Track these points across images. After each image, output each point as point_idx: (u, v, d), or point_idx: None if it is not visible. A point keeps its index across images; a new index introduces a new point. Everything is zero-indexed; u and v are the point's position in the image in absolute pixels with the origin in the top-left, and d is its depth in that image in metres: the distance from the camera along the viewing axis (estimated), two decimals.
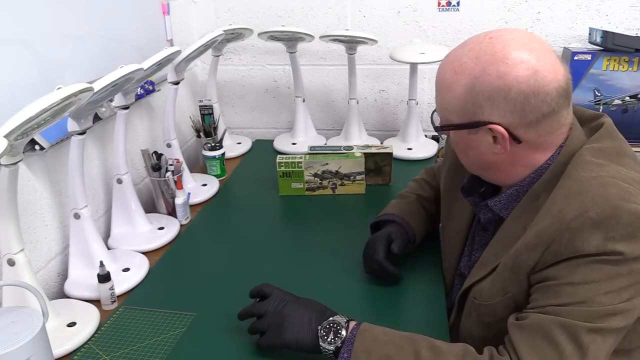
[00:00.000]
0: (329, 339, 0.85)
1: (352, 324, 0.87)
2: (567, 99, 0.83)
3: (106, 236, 1.32)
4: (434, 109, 0.93)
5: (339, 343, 0.84)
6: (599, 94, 1.67)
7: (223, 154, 1.65)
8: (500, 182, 0.94)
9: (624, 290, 0.75)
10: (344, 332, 0.85)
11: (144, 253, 1.25)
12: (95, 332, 1.01)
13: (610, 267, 0.74)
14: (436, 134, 1.84)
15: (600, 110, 1.67)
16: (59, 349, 0.95)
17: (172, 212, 1.41)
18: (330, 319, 0.87)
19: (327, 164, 1.48)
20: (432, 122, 0.94)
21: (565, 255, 0.77)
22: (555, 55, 0.83)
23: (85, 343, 0.98)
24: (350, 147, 1.55)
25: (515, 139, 0.83)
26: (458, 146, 0.92)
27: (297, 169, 1.49)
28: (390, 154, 1.54)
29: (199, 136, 1.68)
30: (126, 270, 1.17)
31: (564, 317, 0.75)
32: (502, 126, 0.82)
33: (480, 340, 0.91)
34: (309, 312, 0.89)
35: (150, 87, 1.54)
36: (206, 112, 1.70)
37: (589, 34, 1.70)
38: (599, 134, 0.87)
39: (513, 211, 0.90)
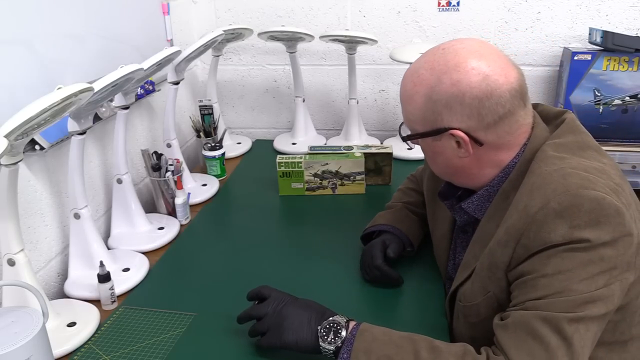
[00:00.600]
0: (329, 339, 0.85)
1: (352, 324, 0.87)
2: (521, 99, 0.86)
3: (106, 236, 1.32)
4: (401, 121, 0.97)
5: (339, 343, 0.84)
6: (599, 94, 1.67)
7: (223, 154, 1.65)
8: (470, 186, 0.96)
9: (598, 277, 0.76)
10: (343, 332, 0.85)
11: (144, 253, 1.25)
12: (95, 332, 1.01)
13: (581, 255, 0.76)
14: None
15: (600, 110, 1.67)
16: (59, 349, 0.95)
17: (172, 212, 1.41)
18: (330, 318, 0.87)
19: (327, 164, 1.48)
20: (400, 134, 0.98)
21: (535, 247, 0.78)
22: (507, 59, 0.87)
23: (85, 343, 0.98)
24: (350, 147, 1.55)
25: (476, 141, 0.87)
26: (427, 154, 0.96)
27: (297, 169, 1.49)
28: (390, 154, 1.54)
29: (199, 136, 1.68)
30: (126, 270, 1.17)
31: (544, 310, 0.76)
32: (462, 130, 0.86)
33: (470, 341, 0.92)
34: (308, 313, 0.89)
35: (150, 87, 1.54)
36: (206, 112, 1.70)
37: (589, 34, 1.70)
38: (561, 129, 0.89)
39: (487, 211, 0.92)
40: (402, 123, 0.97)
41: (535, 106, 0.95)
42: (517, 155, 0.89)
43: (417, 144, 0.96)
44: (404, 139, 0.96)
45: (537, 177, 0.82)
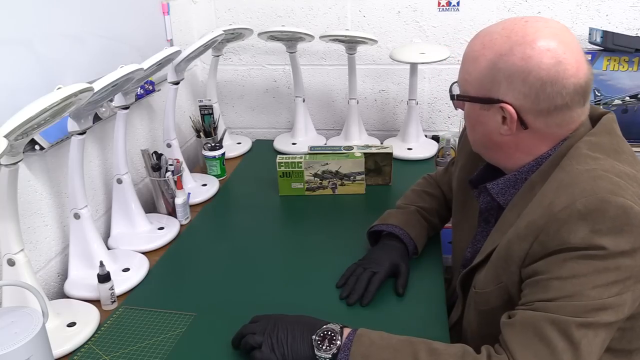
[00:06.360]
0: (324, 347, 0.84)
1: (347, 330, 0.87)
2: (583, 97, 0.84)
3: (106, 236, 1.32)
4: (454, 81, 0.94)
5: (334, 350, 0.84)
6: (599, 94, 1.67)
7: (223, 154, 1.65)
8: (500, 164, 0.95)
9: (612, 285, 0.75)
10: (338, 337, 0.85)
11: (144, 253, 1.25)
12: (95, 332, 1.01)
13: (597, 262, 0.75)
14: (436, 133, 1.85)
15: None
16: (59, 349, 0.95)
17: (172, 212, 1.41)
18: (324, 326, 0.87)
19: (327, 164, 1.48)
20: (450, 91, 0.94)
21: (552, 246, 0.77)
22: (582, 53, 0.84)
23: (85, 343, 0.98)
24: (350, 147, 1.55)
25: (522, 123, 0.85)
26: (469, 119, 0.94)
27: (297, 169, 1.49)
28: (390, 154, 1.53)
29: (199, 136, 1.68)
30: (126, 270, 1.17)
31: (554, 313, 0.76)
32: (514, 107, 0.84)
33: (477, 330, 0.92)
34: (300, 325, 0.89)
35: (150, 87, 1.54)
36: (206, 112, 1.70)
37: (589, 34, 1.70)
38: (597, 128, 0.87)
39: (512, 200, 0.91)
40: (454, 82, 0.94)
41: None
42: (554, 147, 0.87)
43: (462, 107, 0.94)
44: (453, 98, 0.93)
45: (567, 175, 0.80)
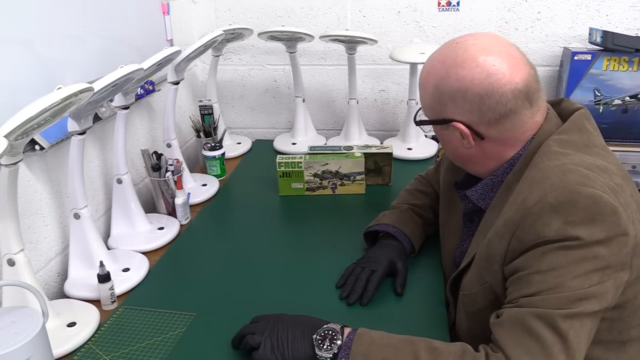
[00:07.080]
0: (324, 346, 0.84)
1: (347, 329, 0.87)
2: (527, 100, 0.87)
3: (106, 236, 1.32)
4: (419, 108, 1.01)
5: (335, 349, 0.84)
6: (599, 94, 1.67)
7: (223, 154, 1.65)
8: (478, 173, 0.98)
9: (592, 274, 0.76)
10: (339, 336, 0.85)
11: (144, 253, 1.25)
12: (95, 332, 1.01)
13: (574, 252, 0.76)
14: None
15: (600, 110, 1.67)
16: (59, 349, 0.95)
17: (172, 212, 1.41)
18: (325, 326, 0.87)
19: (327, 164, 1.48)
20: (414, 118, 1.01)
21: (529, 241, 0.79)
22: (518, 58, 0.88)
23: (85, 343, 0.98)
24: (350, 147, 1.55)
25: (478, 135, 0.90)
26: (440, 140, 1.01)
27: (297, 169, 1.49)
28: (390, 154, 1.54)
29: (199, 136, 1.68)
30: (126, 270, 1.17)
31: (538, 307, 0.77)
32: (464, 124, 0.89)
33: (467, 331, 0.93)
34: (300, 325, 0.89)
35: (150, 87, 1.54)
36: (206, 112, 1.70)
37: (589, 34, 1.70)
38: (566, 126, 0.90)
39: (492, 202, 0.94)
40: (420, 108, 1.00)
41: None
42: (523, 148, 0.90)
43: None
44: (416, 124, 1.00)
45: (538, 171, 0.83)
